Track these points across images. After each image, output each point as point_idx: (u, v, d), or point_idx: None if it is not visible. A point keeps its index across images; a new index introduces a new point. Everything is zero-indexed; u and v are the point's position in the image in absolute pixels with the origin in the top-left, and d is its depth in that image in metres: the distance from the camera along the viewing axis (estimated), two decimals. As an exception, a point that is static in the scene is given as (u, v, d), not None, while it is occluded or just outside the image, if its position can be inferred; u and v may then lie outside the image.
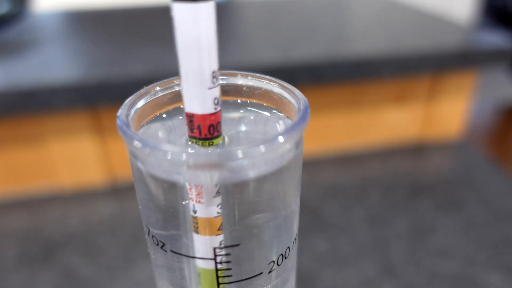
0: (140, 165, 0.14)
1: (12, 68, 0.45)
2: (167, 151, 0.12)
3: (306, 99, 0.16)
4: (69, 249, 0.40)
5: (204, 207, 0.14)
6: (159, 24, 0.64)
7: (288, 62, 0.46)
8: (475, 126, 0.93)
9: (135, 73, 0.43)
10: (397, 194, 0.47)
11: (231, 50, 0.51)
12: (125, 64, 0.46)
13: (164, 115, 0.17)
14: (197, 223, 0.14)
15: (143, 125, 0.16)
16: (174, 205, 0.14)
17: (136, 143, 0.13)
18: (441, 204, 0.45)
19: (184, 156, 0.12)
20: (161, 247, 0.15)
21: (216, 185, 0.13)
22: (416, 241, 0.40)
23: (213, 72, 0.13)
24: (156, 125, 0.16)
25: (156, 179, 0.14)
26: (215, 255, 0.14)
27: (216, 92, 0.13)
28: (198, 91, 0.13)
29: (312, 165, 0.53)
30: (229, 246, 0.14)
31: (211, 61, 0.13)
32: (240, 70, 0.17)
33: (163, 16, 0.68)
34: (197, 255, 0.15)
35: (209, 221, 0.14)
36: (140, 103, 0.16)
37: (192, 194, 0.13)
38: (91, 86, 0.42)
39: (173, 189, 0.14)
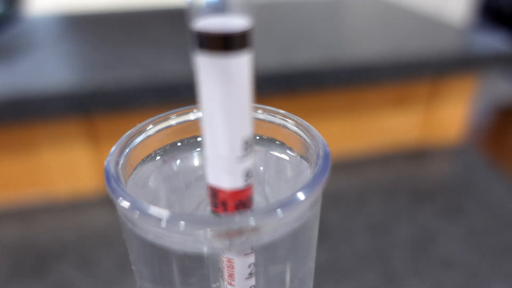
0: (131, 226, 0.12)
1: (4, 74, 0.43)
2: (161, 219, 0.10)
3: (324, 140, 0.14)
4: (63, 260, 0.38)
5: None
6: (155, 28, 0.61)
7: (286, 67, 0.44)
8: (475, 129, 0.92)
9: (130, 78, 0.41)
10: (398, 200, 0.46)
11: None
12: (120, 69, 0.44)
13: (158, 157, 0.14)
14: None
15: (136, 168, 0.14)
16: (172, 275, 0.12)
17: (125, 203, 0.11)
18: (443, 211, 0.44)
19: (182, 226, 0.10)
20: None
21: (248, 266, 0.11)
22: (418, 249, 0.39)
23: (246, 142, 0.10)
24: (149, 168, 0.14)
25: (150, 245, 0.11)
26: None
27: (248, 163, 0.11)
28: (224, 163, 0.10)
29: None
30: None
31: (244, 127, 0.10)
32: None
33: (159, 19, 0.65)
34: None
35: None
36: (133, 144, 0.14)
37: (224, 274, 0.11)
38: (85, 92, 0.40)
39: (170, 256, 0.11)
